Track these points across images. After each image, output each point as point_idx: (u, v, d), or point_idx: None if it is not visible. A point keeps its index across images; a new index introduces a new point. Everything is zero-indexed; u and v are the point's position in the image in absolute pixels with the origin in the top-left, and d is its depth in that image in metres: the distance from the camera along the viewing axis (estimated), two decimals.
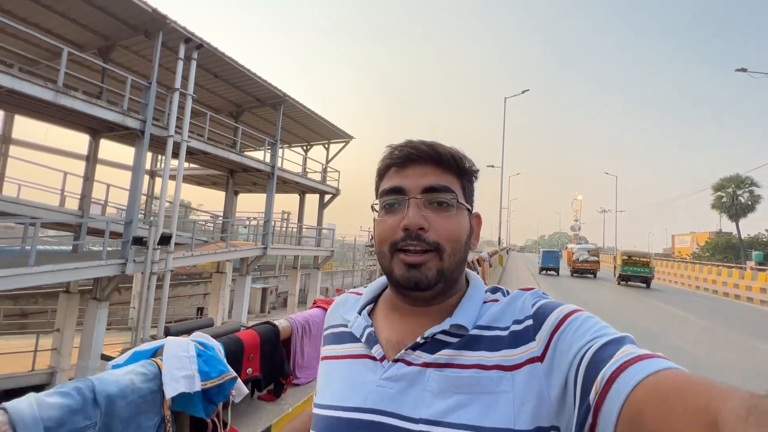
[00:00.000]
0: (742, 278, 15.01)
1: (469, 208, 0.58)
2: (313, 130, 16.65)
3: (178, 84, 9.22)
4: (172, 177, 10.68)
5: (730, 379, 5.25)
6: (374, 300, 0.64)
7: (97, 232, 10.38)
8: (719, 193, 40.87)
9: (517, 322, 0.51)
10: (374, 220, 0.58)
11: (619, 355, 0.39)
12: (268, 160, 13.43)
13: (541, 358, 0.47)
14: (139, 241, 7.93)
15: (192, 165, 14.91)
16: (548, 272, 22.03)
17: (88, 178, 9.55)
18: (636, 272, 17.87)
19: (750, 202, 39.33)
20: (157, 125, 8.92)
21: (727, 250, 43.18)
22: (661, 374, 0.36)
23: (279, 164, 13.56)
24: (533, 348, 0.48)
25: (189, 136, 9.61)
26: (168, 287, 9.31)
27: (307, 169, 17.12)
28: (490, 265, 12.68)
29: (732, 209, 39.90)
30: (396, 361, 0.53)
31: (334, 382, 0.56)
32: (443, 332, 0.53)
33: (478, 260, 8.86)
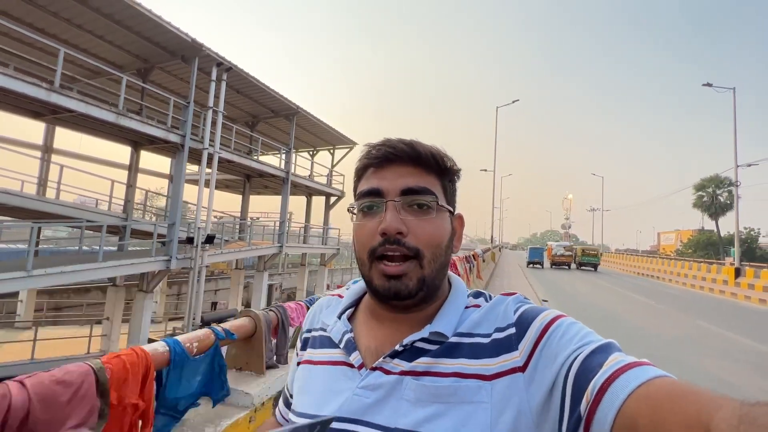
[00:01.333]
0: (708, 272, 16.72)
1: (451, 209, 0.57)
2: (319, 136, 18.00)
3: (211, 102, 10.53)
4: (192, 181, 12.07)
5: (673, 345, 6.72)
6: (355, 304, 0.62)
7: (135, 233, 11.62)
8: (700, 192, 42.95)
9: (499, 329, 0.50)
10: (353, 223, 0.56)
11: (609, 364, 0.39)
12: (281, 165, 14.76)
13: (522, 369, 0.46)
14: (191, 241, 9.23)
15: (209, 170, 16.17)
16: (534, 265, 25.55)
17: (131, 185, 10.82)
18: (589, 260, 25.42)
19: (728, 202, 41.53)
20: (194, 139, 10.22)
21: (707, 247, 45.27)
22: (652, 383, 0.36)
23: (292, 170, 14.89)
24: (515, 358, 0.47)
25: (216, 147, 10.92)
26: (204, 281, 10.60)
27: (314, 173, 18.44)
28: (483, 260, 14.19)
29: (712, 208, 42.09)
30: (374, 369, 0.52)
31: (312, 388, 0.56)
32: (422, 340, 0.52)
33: (473, 255, 10.34)
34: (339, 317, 0.60)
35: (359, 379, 0.52)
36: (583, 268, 25.85)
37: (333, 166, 19.01)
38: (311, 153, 19.43)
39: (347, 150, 19.17)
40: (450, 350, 0.50)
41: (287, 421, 0.62)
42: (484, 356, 0.49)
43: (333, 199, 18.92)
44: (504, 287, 13.05)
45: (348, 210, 0.58)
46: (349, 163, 19.85)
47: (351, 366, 0.54)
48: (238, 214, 17.01)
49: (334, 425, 0.49)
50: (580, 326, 0.46)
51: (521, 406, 0.44)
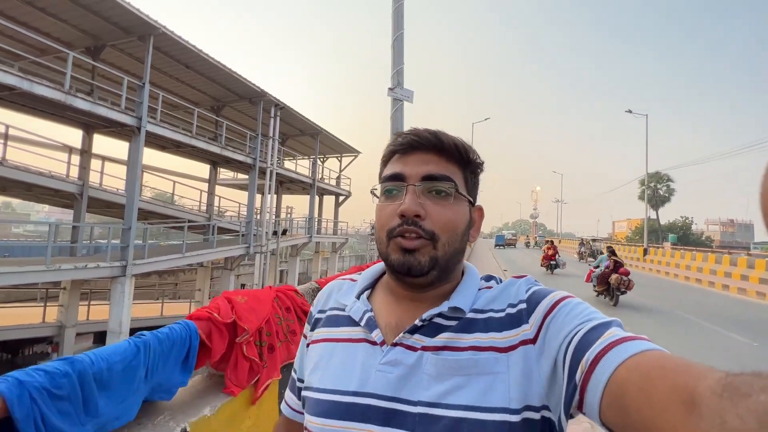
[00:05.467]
0: (629, 252, 22.30)
1: (471, 199, 0.59)
2: (330, 146, 22.00)
3: (271, 133, 14.49)
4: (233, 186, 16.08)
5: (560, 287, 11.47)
6: (371, 286, 0.65)
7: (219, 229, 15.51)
8: (644, 186, 49.77)
9: (512, 305, 0.53)
10: (376, 205, 0.59)
11: (605, 337, 0.41)
12: (309, 173, 18.82)
13: (533, 341, 0.49)
14: (275, 234, 13.31)
15: (242, 176, 19.94)
16: (498, 247, 41.00)
17: (212, 193, 14.68)
18: (508, 242, 42.35)
19: (667, 195, 49.08)
20: (261, 160, 14.21)
21: (650, 234, 52.40)
22: (644, 354, 0.38)
23: (317, 177, 18.98)
24: (526, 330, 0.50)
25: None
26: (278, 263, 14.71)
27: (324, 177, 22.45)
28: None
29: (653, 200, 49.07)
30: (395, 345, 0.54)
31: (332, 365, 0.57)
32: (441, 315, 0.54)
33: None
34: (358, 297, 0.62)
35: (381, 355, 0.54)
36: (510, 246, 43.62)
37: (341, 170, 23.12)
38: (322, 159, 23.40)
39: (352, 158, 23.30)
40: (467, 326, 0.53)
41: (295, 411, 0.66)
42: (498, 329, 0.52)
43: (342, 198, 23.08)
44: (478, 262, 17.83)
45: (371, 192, 0.61)
46: (354, 168, 23.99)
47: (372, 343, 0.56)
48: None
49: (360, 400, 0.52)
50: (587, 306, 0.49)
51: (533, 376, 0.47)
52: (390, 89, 3.27)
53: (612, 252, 9.77)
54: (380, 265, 0.65)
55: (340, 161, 23.36)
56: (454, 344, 0.52)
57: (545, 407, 0.47)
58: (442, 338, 0.52)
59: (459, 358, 0.50)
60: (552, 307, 0.50)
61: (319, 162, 23.12)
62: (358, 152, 22.96)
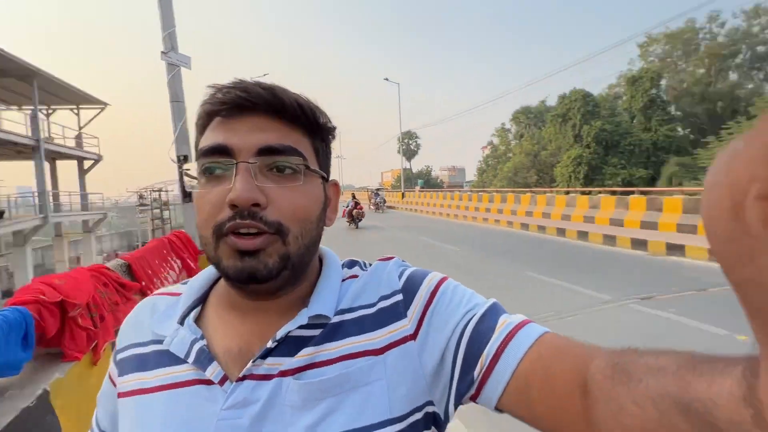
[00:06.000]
0: (393, 197, 27.76)
1: (324, 175, 0.47)
2: (59, 96, 16.57)
3: None
4: None
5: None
6: (201, 301, 0.49)
7: None
8: (399, 143, 61.65)
9: (385, 297, 0.46)
10: (194, 192, 0.43)
11: (500, 329, 0.41)
12: (27, 132, 13.74)
13: (414, 336, 0.44)
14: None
15: None
16: None
17: None
18: None
19: (415, 149, 63.01)
20: None
21: (407, 181, 66.11)
22: (541, 342, 0.39)
23: (44, 136, 14.11)
24: (405, 326, 0.44)
25: None
26: None
27: (54, 137, 16.90)
28: None
29: (407, 153, 61.65)
30: (242, 379, 0.41)
31: (153, 427, 0.41)
32: (301, 327, 0.43)
33: None
34: (181, 322, 0.45)
35: (223, 397, 0.40)
36: None
37: (81, 127, 17.91)
38: (47, 113, 17.36)
39: (98, 111, 18.33)
40: (334, 332, 0.44)
41: None
42: (372, 328, 0.44)
43: (88, 163, 18.13)
44: None
45: (183, 173, 0.51)
46: (104, 124, 18.92)
47: (209, 383, 0.42)
48: None
49: None
50: (463, 288, 0.47)
51: (416, 374, 0.42)
52: (163, 53, 3.07)
53: (353, 196, 15.05)
54: (210, 271, 0.49)
55: (78, 115, 18.00)
56: (320, 359, 0.42)
57: (429, 402, 0.43)
58: (303, 356, 0.42)
59: (326, 377, 0.41)
60: (431, 295, 0.45)
61: (42, 116, 17.08)
62: (105, 104, 18.28)
